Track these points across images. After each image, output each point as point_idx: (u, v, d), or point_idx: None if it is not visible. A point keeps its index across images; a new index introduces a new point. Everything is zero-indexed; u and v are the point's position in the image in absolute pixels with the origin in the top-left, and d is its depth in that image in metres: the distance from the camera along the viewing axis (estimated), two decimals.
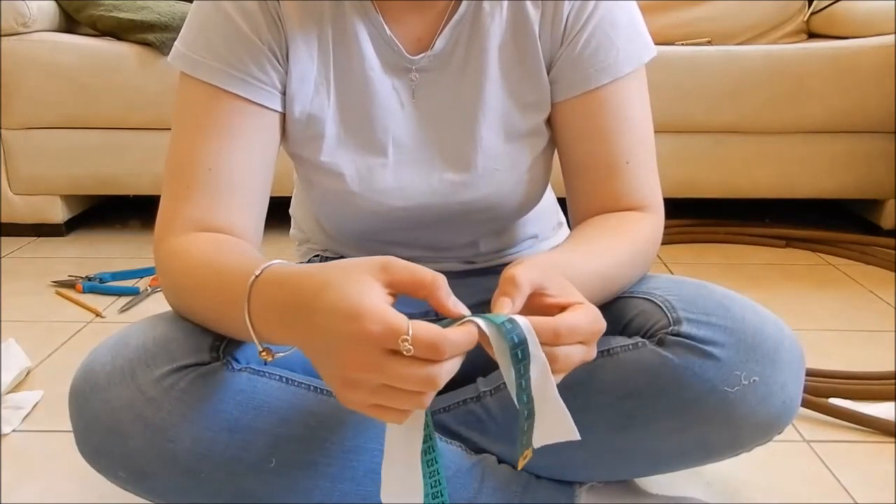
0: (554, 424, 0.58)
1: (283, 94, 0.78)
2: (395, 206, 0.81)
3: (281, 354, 0.63)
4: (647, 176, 0.81)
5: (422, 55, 0.79)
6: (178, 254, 0.72)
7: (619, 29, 0.79)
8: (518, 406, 0.56)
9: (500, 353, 0.54)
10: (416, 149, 0.81)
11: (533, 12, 0.78)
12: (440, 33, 0.78)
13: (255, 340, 0.61)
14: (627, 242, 0.76)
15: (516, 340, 0.54)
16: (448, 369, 0.52)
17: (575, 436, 0.58)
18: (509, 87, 0.80)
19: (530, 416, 0.57)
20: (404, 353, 0.51)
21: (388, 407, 0.54)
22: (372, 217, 0.81)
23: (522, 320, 0.54)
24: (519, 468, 0.64)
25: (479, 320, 0.54)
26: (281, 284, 0.59)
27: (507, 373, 0.55)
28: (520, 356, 0.54)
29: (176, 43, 0.77)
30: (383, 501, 0.61)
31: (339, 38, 0.78)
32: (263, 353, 0.62)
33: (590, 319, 0.59)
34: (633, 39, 0.80)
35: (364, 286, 0.53)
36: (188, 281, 0.70)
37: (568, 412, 0.58)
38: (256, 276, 0.60)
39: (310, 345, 0.56)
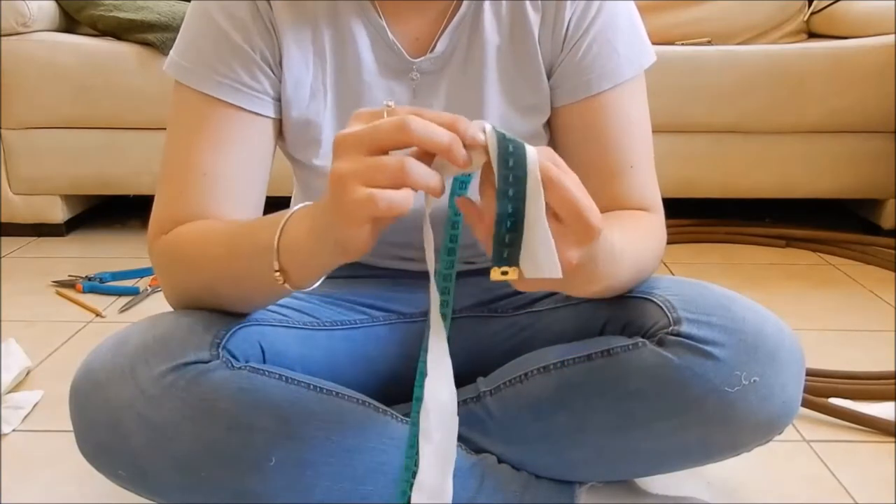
0: (541, 256, 0.54)
1: (278, 100, 0.78)
2: None
3: (295, 284, 0.64)
4: (649, 179, 0.81)
5: (423, 57, 0.79)
6: (176, 238, 0.73)
7: (621, 34, 0.79)
8: (498, 210, 0.53)
9: (493, 159, 0.52)
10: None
11: (533, 15, 0.78)
12: (441, 34, 0.78)
13: (275, 255, 0.61)
14: (647, 233, 0.77)
15: (510, 148, 0.52)
16: (421, 166, 0.51)
17: (558, 274, 0.54)
18: (509, 89, 0.80)
19: (514, 229, 0.53)
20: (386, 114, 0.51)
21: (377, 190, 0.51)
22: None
23: (529, 146, 0.52)
24: (491, 279, 0.57)
25: (486, 125, 0.53)
26: (305, 208, 0.62)
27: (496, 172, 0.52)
28: (510, 164, 0.52)
29: (171, 51, 0.78)
30: (414, 502, 0.61)
31: (335, 40, 0.78)
32: (278, 274, 0.62)
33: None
34: (634, 45, 0.80)
35: None
36: (193, 249, 0.71)
37: (555, 249, 0.54)
38: (293, 213, 0.62)
39: (317, 218, 0.57)
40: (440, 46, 0.78)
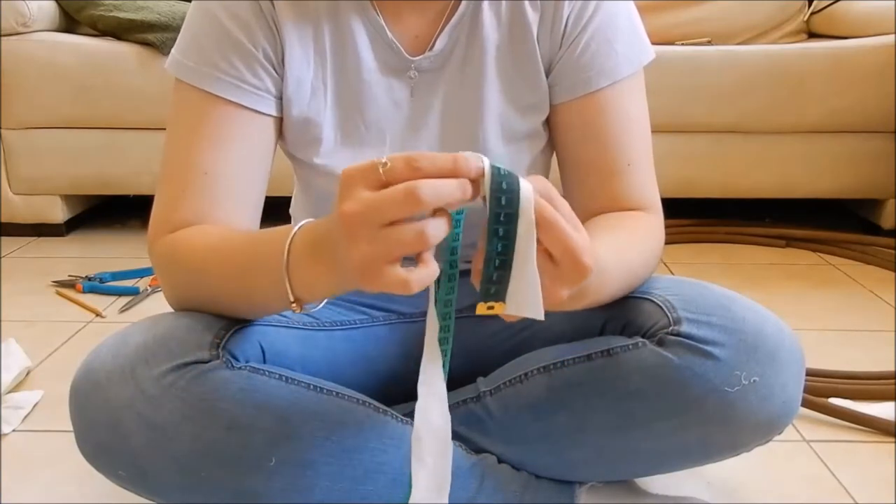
0: (526, 297, 0.55)
1: (279, 98, 0.78)
2: None
3: (310, 307, 0.64)
4: (648, 177, 0.81)
5: (422, 55, 0.79)
6: (180, 244, 0.73)
7: (619, 32, 0.79)
8: (488, 249, 0.53)
9: (486, 196, 0.52)
10: (413, 150, 0.80)
11: (532, 14, 0.78)
12: (440, 33, 0.78)
13: (289, 290, 0.62)
14: (642, 237, 0.77)
15: (503, 186, 0.51)
16: (433, 189, 0.50)
17: (540, 316, 0.55)
18: (508, 88, 0.80)
19: (503, 267, 0.54)
20: (383, 175, 0.50)
21: (404, 270, 0.52)
22: None
23: (525, 182, 0.52)
24: (476, 312, 0.59)
25: (484, 160, 0.52)
26: (315, 229, 0.61)
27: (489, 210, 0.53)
28: (502, 202, 0.52)
29: (172, 50, 0.78)
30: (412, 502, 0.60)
31: (336, 38, 0.78)
32: (294, 305, 0.63)
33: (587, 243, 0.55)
34: (632, 42, 0.80)
35: None
36: (200, 259, 0.71)
37: (540, 291, 0.55)
38: (300, 226, 0.62)
39: (333, 263, 0.57)
40: (439, 45, 0.78)
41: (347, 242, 0.52)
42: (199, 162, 0.74)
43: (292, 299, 0.62)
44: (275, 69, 0.77)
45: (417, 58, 0.79)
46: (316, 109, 0.79)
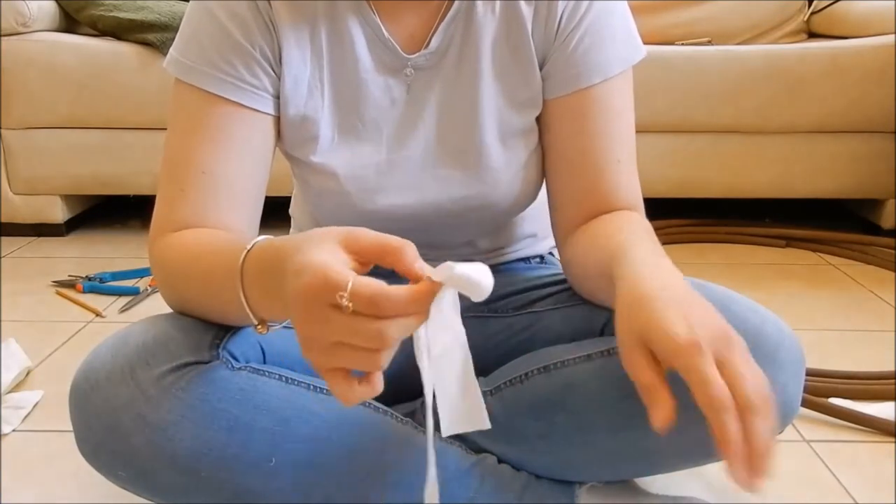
0: (464, 410, 0.56)
1: (277, 97, 0.78)
2: (389, 204, 0.81)
3: (276, 327, 0.64)
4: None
5: (418, 53, 0.79)
6: (171, 248, 0.73)
7: (611, 29, 0.79)
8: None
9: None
10: (410, 147, 0.81)
11: (526, 10, 0.78)
12: (435, 31, 0.78)
13: (250, 314, 0.62)
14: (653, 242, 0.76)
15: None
16: (399, 327, 0.51)
17: (485, 425, 0.55)
18: (503, 85, 0.80)
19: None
20: (343, 309, 0.50)
21: (348, 379, 0.53)
22: (368, 216, 0.82)
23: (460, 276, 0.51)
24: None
25: (436, 272, 0.52)
26: (264, 254, 0.60)
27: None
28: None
29: (171, 48, 0.78)
30: (445, 433, 0.59)
31: (332, 38, 0.78)
32: (259, 327, 0.63)
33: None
34: (624, 40, 0.80)
35: (322, 249, 0.52)
36: (183, 270, 0.71)
37: (482, 399, 0.55)
38: (248, 250, 0.61)
39: (283, 308, 0.56)
40: (434, 43, 0.79)
41: (299, 321, 0.52)
42: (197, 161, 0.75)
43: (256, 322, 0.63)
44: (272, 68, 0.77)
45: (413, 56, 0.79)
46: (313, 108, 0.79)
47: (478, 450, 0.81)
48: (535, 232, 0.96)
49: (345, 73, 0.79)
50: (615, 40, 0.79)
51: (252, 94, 0.76)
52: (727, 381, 0.53)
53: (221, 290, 0.64)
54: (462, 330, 0.54)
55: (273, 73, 0.77)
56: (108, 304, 1.55)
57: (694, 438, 0.76)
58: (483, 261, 0.92)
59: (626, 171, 0.81)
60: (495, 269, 0.92)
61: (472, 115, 0.80)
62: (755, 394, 0.53)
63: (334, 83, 0.79)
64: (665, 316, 0.56)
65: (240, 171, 0.76)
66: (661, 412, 0.54)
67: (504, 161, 0.81)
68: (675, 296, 0.58)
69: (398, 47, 0.79)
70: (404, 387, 0.89)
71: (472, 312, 0.90)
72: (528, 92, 0.80)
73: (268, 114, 0.78)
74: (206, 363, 0.69)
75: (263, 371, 0.71)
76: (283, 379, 0.72)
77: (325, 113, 0.79)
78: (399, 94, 0.80)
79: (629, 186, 0.81)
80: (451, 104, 0.80)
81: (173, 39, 0.79)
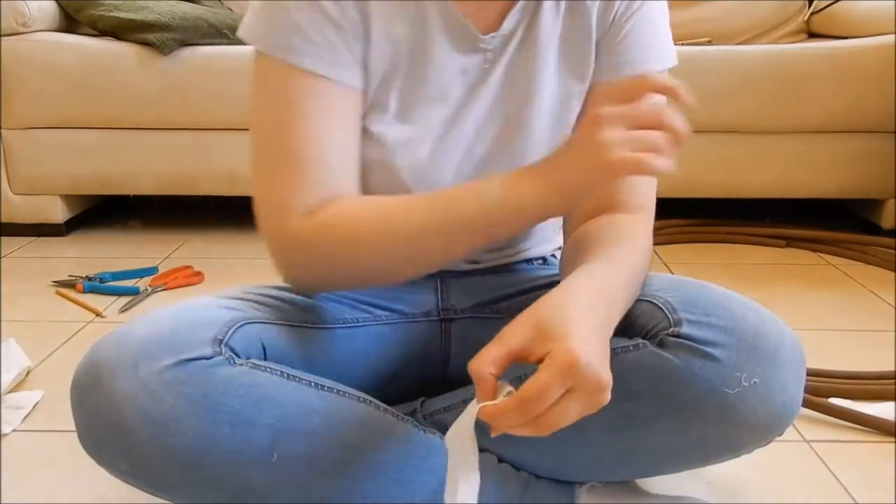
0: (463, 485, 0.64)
1: (364, 70, 0.78)
2: (433, 182, 0.81)
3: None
4: (646, 177, 0.82)
5: (492, 34, 0.79)
6: (332, 220, 0.73)
7: (654, 30, 0.82)
8: None
9: None
10: (463, 126, 0.82)
11: (590, 3, 0.80)
12: (508, 14, 0.79)
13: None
14: (640, 251, 0.76)
15: None
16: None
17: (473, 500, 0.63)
18: (564, 74, 0.82)
19: None
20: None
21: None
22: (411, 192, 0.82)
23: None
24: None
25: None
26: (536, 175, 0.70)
27: None
28: None
29: (253, 26, 0.76)
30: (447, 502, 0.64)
31: (412, 18, 0.78)
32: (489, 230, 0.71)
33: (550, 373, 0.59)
34: (663, 45, 0.83)
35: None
36: (371, 233, 0.73)
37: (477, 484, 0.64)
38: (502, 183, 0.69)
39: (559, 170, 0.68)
40: (506, 25, 0.79)
41: (595, 134, 0.63)
42: (306, 145, 0.74)
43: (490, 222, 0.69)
44: (362, 40, 0.76)
45: (488, 37, 0.79)
46: (387, 80, 0.79)
47: (478, 449, 0.81)
48: (542, 234, 0.96)
49: (419, 51, 0.79)
50: (655, 41, 0.82)
51: (347, 70, 0.76)
52: (556, 408, 0.59)
53: (457, 213, 0.71)
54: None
55: (362, 47, 0.77)
56: (108, 304, 1.55)
57: (694, 439, 0.76)
58: (488, 261, 0.92)
59: None
60: (500, 270, 0.93)
61: (531, 102, 0.81)
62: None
63: (410, 59, 0.79)
64: (580, 330, 0.60)
65: (347, 149, 0.77)
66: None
67: (549, 135, 0.83)
68: (598, 324, 0.63)
69: (475, 29, 0.79)
70: (404, 386, 0.89)
71: (473, 313, 0.91)
72: (583, 84, 0.83)
73: (359, 88, 0.78)
74: (209, 359, 0.69)
75: (265, 367, 0.71)
76: (285, 375, 0.72)
77: (397, 83, 0.79)
78: (471, 74, 0.80)
79: (641, 186, 0.82)
80: (516, 84, 0.81)
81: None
